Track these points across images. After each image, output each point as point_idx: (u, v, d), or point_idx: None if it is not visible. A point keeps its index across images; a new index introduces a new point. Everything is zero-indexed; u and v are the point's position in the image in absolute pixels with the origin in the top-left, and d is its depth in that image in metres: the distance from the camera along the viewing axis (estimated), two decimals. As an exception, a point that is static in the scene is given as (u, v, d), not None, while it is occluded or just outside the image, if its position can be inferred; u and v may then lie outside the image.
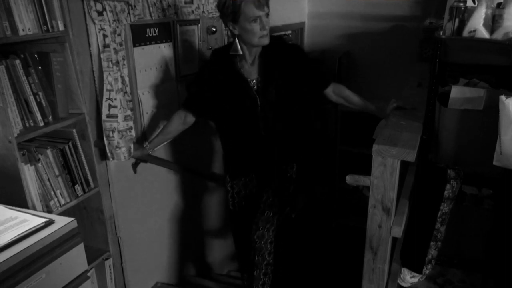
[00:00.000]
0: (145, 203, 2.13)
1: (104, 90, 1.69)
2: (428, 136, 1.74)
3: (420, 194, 1.71)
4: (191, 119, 1.90)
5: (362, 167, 1.62)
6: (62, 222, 1.23)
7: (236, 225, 2.07)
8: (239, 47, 1.72)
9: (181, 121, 1.90)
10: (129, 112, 1.79)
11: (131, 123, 1.80)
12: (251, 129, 1.84)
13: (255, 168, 1.94)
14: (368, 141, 1.60)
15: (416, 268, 1.72)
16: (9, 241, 1.11)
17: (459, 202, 1.72)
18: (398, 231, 1.52)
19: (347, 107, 2.04)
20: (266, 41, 1.70)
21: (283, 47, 1.83)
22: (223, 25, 2.24)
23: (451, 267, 1.89)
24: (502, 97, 1.49)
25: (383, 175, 1.50)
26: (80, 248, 1.28)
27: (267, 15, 1.68)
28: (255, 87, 1.80)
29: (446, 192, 1.62)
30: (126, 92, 1.77)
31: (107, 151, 1.75)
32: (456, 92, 1.69)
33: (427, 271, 1.71)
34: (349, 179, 1.58)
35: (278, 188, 1.92)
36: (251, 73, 1.80)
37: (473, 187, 1.80)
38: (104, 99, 1.70)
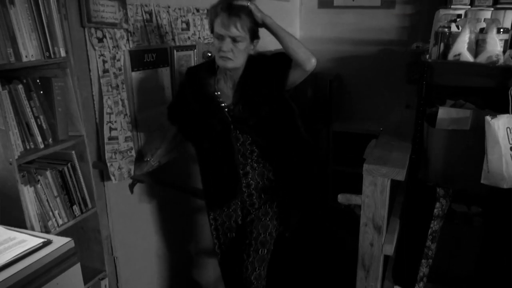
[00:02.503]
0: (141, 223, 2.15)
1: (105, 113, 1.74)
2: (417, 155, 1.78)
3: (411, 212, 1.75)
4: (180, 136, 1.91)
5: (354, 186, 1.66)
6: (59, 243, 1.24)
7: (225, 261, 1.95)
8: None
9: (174, 135, 1.92)
10: (129, 134, 1.84)
11: (131, 144, 1.85)
12: (226, 154, 1.72)
13: (236, 197, 1.80)
14: (359, 161, 1.64)
15: (408, 285, 1.74)
16: (7, 261, 1.13)
17: (449, 220, 1.75)
18: (389, 249, 1.55)
19: (338, 126, 2.01)
20: (222, 63, 1.58)
21: (262, 62, 1.69)
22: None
23: (443, 285, 1.91)
24: (488, 118, 1.55)
25: (374, 194, 1.54)
26: (77, 268, 1.29)
27: (235, 40, 1.55)
28: (231, 112, 1.69)
29: (435, 210, 1.66)
30: (126, 114, 1.82)
31: (110, 172, 1.78)
32: (443, 113, 1.74)
33: (419, 289, 1.73)
34: (341, 198, 1.62)
35: (266, 220, 1.81)
36: (229, 97, 1.70)
37: (462, 205, 1.84)
38: (105, 122, 1.74)
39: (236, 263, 1.85)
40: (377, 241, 1.56)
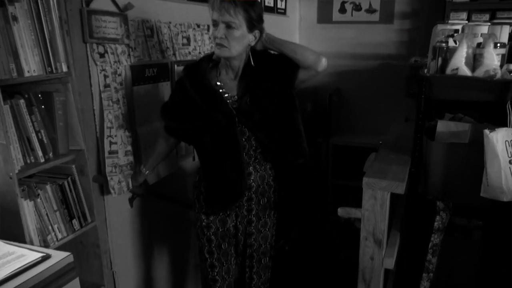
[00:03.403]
0: (141, 237, 2.14)
1: (105, 127, 1.75)
2: (417, 169, 1.78)
3: (411, 225, 1.74)
4: (173, 140, 1.82)
5: (354, 199, 1.66)
6: (58, 257, 1.24)
7: (219, 276, 1.81)
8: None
9: (166, 142, 1.84)
10: (129, 148, 1.85)
11: (131, 158, 1.86)
12: (231, 150, 1.64)
13: (242, 197, 1.72)
14: (359, 174, 1.64)
15: (409, 300, 1.73)
16: (6, 276, 1.13)
17: (449, 233, 1.75)
18: (390, 263, 1.54)
19: (338, 139, 2.00)
20: (217, 51, 1.55)
21: (270, 59, 1.66)
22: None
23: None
24: (486, 131, 1.55)
25: (374, 207, 1.54)
26: (76, 282, 1.28)
27: (229, 26, 1.51)
28: (235, 104, 1.64)
29: (436, 223, 1.66)
30: (126, 128, 1.84)
31: (110, 186, 1.79)
32: (442, 126, 1.75)
33: (421, 303, 1.72)
34: (341, 211, 1.62)
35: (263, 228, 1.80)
36: (232, 88, 1.66)
37: (462, 218, 1.83)
38: (105, 136, 1.75)
39: (230, 276, 1.81)
40: (377, 255, 1.55)
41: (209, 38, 1.79)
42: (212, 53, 1.64)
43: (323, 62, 1.60)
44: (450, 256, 1.80)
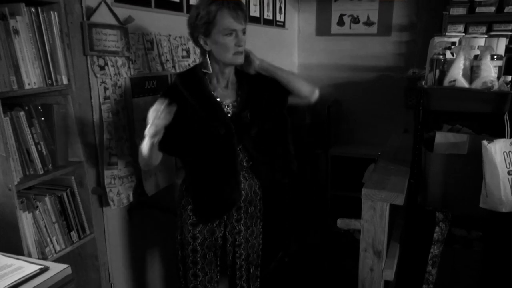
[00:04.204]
0: (139, 250, 2.13)
1: (105, 139, 1.76)
2: (416, 179, 1.79)
3: (410, 237, 1.74)
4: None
5: (354, 210, 1.66)
6: (56, 269, 1.23)
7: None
8: (209, 64, 1.59)
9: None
10: (130, 159, 1.85)
11: (132, 169, 1.86)
12: (227, 159, 1.63)
13: (231, 209, 1.71)
14: (358, 185, 1.65)
15: (410, 312, 1.72)
16: (4, 288, 1.13)
17: (449, 244, 1.74)
18: (390, 274, 1.54)
19: (337, 151, 2.00)
20: (240, 59, 1.57)
21: (263, 79, 1.69)
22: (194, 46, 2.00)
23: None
24: (484, 142, 1.56)
25: (373, 218, 1.54)
26: (74, 295, 1.28)
27: (244, 32, 1.55)
28: (230, 113, 1.64)
29: (435, 234, 1.65)
30: (126, 140, 1.84)
31: (108, 198, 1.78)
32: (440, 137, 1.76)
33: (422, 315, 1.70)
34: (340, 223, 1.62)
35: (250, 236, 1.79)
36: (225, 96, 1.65)
37: (462, 229, 1.83)
38: (104, 148, 1.76)
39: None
40: (377, 266, 1.55)
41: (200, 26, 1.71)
42: (201, 63, 1.65)
43: (317, 93, 1.72)
44: (450, 267, 1.80)
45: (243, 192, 1.71)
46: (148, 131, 1.46)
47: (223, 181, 1.65)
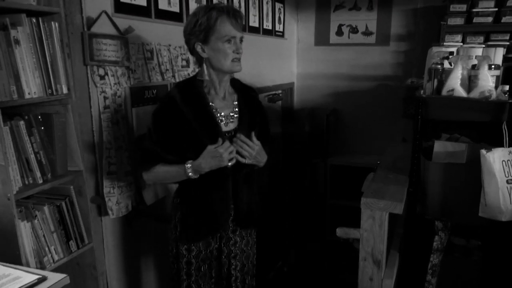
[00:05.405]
0: (138, 259, 2.12)
1: (104, 148, 1.76)
2: (415, 188, 1.79)
3: (410, 246, 1.74)
4: None
5: (353, 219, 1.66)
6: (54, 279, 1.23)
7: None
8: (206, 72, 1.57)
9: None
10: (129, 168, 1.85)
11: (131, 178, 1.86)
12: (219, 176, 1.60)
13: (223, 225, 1.68)
14: (357, 194, 1.65)
15: (410, 322, 1.71)
16: (2, 299, 1.12)
17: (448, 253, 1.74)
18: (389, 284, 1.53)
19: (335, 160, 1.99)
20: (238, 67, 1.57)
21: (248, 88, 1.74)
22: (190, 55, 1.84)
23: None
24: (483, 151, 1.56)
25: (373, 227, 1.53)
26: (72, 305, 1.27)
27: (242, 40, 1.57)
28: (227, 124, 1.63)
29: (434, 243, 1.65)
30: (125, 149, 1.84)
31: (107, 207, 1.78)
32: (439, 146, 1.76)
33: (422, 325, 1.69)
34: (339, 232, 1.62)
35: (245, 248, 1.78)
36: (223, 107, 1.63)
37: (461, 238, 1.83)
38: (104, 157, 1.76)
39: None
40: (376, 276, 1.54)
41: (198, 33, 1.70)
42: (194, 77, 1.66)
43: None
44: (450, 276, 1.79)
45: (232, 207, 1.69)
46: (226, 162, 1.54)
47: (212, 196, 1.63)
